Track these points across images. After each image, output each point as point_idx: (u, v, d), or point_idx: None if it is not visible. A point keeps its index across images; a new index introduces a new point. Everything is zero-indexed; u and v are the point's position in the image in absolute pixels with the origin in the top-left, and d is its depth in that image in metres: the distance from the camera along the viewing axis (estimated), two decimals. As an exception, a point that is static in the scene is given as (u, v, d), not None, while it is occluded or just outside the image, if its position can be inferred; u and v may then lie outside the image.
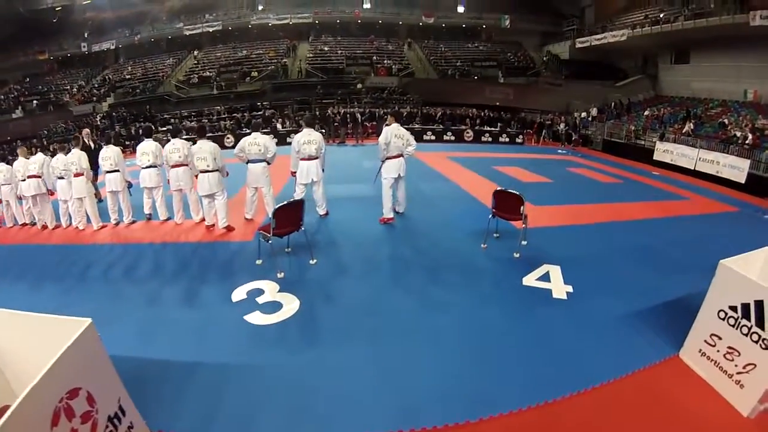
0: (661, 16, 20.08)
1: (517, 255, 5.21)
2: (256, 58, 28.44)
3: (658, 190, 10.41)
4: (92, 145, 8.03)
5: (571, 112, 21.18)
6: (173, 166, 6.56)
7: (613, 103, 20.99)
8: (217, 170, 6.23)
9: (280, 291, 4.36)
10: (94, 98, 26.93)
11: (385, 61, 27.54)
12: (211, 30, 29.96)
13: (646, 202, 8.76)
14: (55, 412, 1.82)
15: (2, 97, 28.18)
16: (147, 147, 6.80)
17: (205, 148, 6.15)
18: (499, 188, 5.40)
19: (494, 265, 5.11)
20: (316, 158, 6.42)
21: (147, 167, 6.80)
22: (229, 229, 6.42)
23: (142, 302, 4.37)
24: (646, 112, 19.03)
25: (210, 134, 18.30)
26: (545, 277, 4.64)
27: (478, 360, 3.25)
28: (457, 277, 4.78)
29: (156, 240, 6.39)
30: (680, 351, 3.27)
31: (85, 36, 30.43)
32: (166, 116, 23.88)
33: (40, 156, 7.69)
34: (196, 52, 30.39)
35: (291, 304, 4.08)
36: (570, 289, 4.40)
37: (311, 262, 5.07)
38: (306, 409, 2.71)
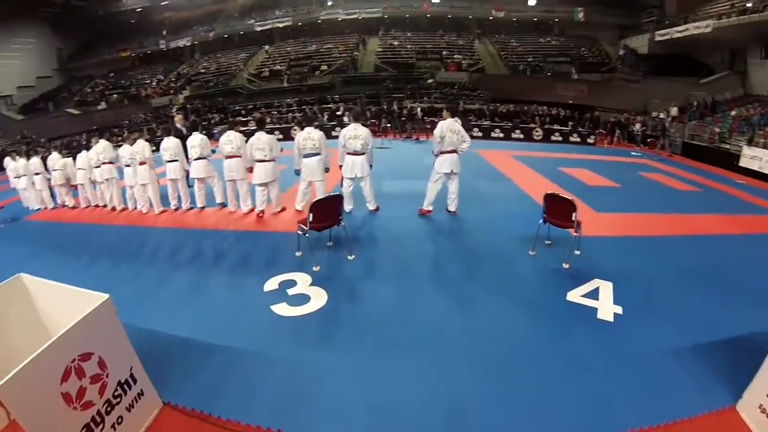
0: (749, 4, 17.88)
1: (567, 266, 4.87)
2: (325, 53, 29.36)
3: (742, 201, 9.24)
4: (184, 131, 8.28)
5: (649, 112, 19.67)
6: (227, 157, 6.98)
7: (696, 103, 19.20)
8: (273, 160, 6.64)
9: (311, 284, 4.47)
10: (171, 91, 29.41)
11: (455, 56, 27.28)
12: (281, 25, 31.54)
13: (726, 215, 7.78)
14: (66, 369, 2.10)
15: (89, 90, 31.84)
16: (195, 140, 7.30)
17: (263, 139, 6.55)
18: (549, 192, 5.11)
19: (539, 274, 4.81)
20: (363, 154, 6.45)
21: (197, 159, 7.31)
22: (282, 210, 6.95)
23: (181, 283, 4.82)
24: (733, 113, 16.96)
25: (278, 126, 19.38)
26: (593, 294, 4.26)
27: (494, 381, 3.03)
28: (496, 284, 4.55)
29: (207, 226, 6.87)
30: (738, 402, 2.76)
31: (163, 34, 33.58)
32: (237, 108, 25.42)
33: (102, 144, 8.57)
34: (267, 47, 32.10)
35: (318, 299, 4.17)
36: (619, 310, 3.97)
37: (349, 257, 5.15)
38: (299, 403, 2.80)
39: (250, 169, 6.88)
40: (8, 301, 2.73)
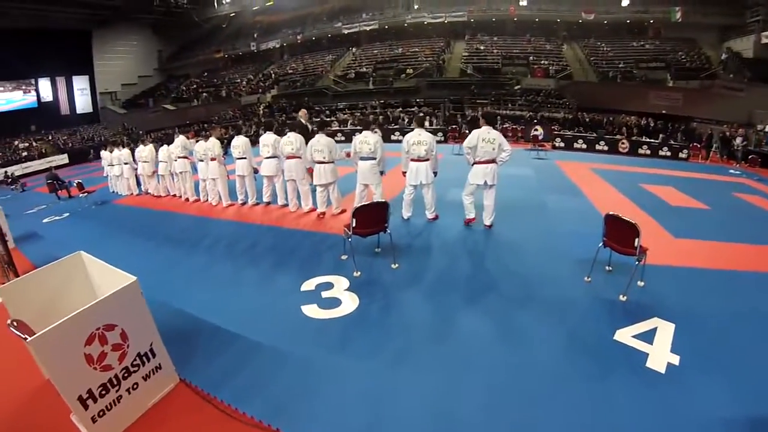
0: None
1: (624, 298, 4.36)
2: (411, 56, 29.99)
3: None
4: (309, 126, 8.42)
5: (753, 124, 17.60)
6: (287, 158, 7.37)
7: None
8: (332, 162, 6.87)
9: (347, 289, 4.57)
10: (260, 90, 31.74)
11: (543, 62, 26.42)
12: (368, 29, 32.69)
13: None
14: (91, 335, 2.51)
15: (184, 88, 35.30)
16: (267, 139, 7.75)
17: (322, 141, 6.82)
18: (610, 213, 4.69)
19: (590, 304, 4.34)
20: (426, 160, 6.42)
21: (268, 157, 7.77)
22: (342, 212, 7.15)
23: (228, 273, 5.29)
24: None
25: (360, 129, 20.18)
26: (648, 336, 3.69)
27: (507, 412, 2.84)
28: (538, 310, 4.21)
29: (266, 222, 7.35)
30: None
31: (254, 36, 36.56)
32: (323, 107, 26.76)
33: (180, 139, 9.52)
34: (354, 49, 33.50)
35: (349, 305, 4.26)
36: (675, 360, 3.36)
37: (393, 266, 5.14)
38: (300, 404, 2.92)
39: (310, 170, 7.22)
40: (70, 271, 3.35)
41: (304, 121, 8.39)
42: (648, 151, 17.00)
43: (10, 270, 5.46)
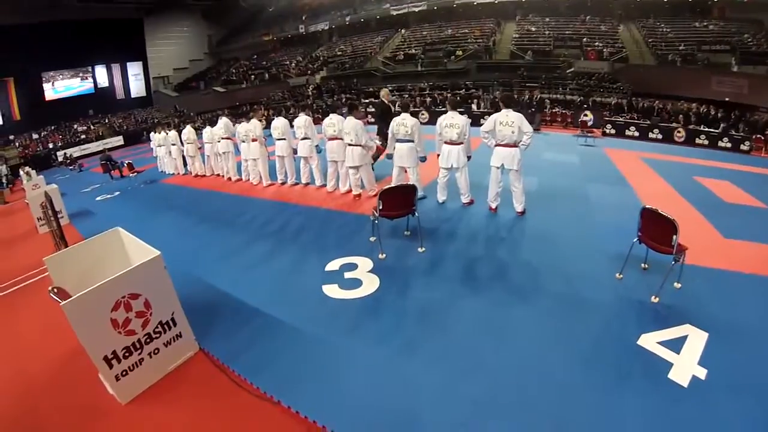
0: None
1: (656, 300, 4.06)
2: (461, 37, 29.36)
3: None
4: (392, 108, 8.36)
5: None
6: (330, 139, 7.50)
7: None
8: (360, 145, 6.95)
9: (370, 271, 4.66)
10: (309, 72, 32.28)
11: (596, 44, 25.15)
12: (416, 9, 32.26)
13: None
14: (117, 301, 2.79)
15: (234, 71, 36.48)
16: (300, 121, 7.97)
17: (350, 124, 6.93)
18: (647, 206, 4.28)
19: (618, 304, 4.09)
20: (460, 143, 6.37)
21: (302, 139, 8.01)
22: (375, 195, 7.16)
23: (260, 250, 5.58)
24: None
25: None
26: (676, 344, 3.41)
27: (507, 411, 2.78)
28: (561, 306, 4.02)
29: (303, 202, 7.60)
30: None
31: (303, 19, 37.06)
32: (371, 89, 26.75)
33: (222, 121, 9.95)
34: (402, 31, 33.24)
35: (369, 286, 4.34)
36: (702, 373, 3.08)
37: (419, 249, 5.18)
38: (304, 381, 3.06)
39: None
40: (107, 245, 3.70)
41: (386, 101, 8.25)
42: (706, 142, 15.98)
43: (62, 243, 6.02)
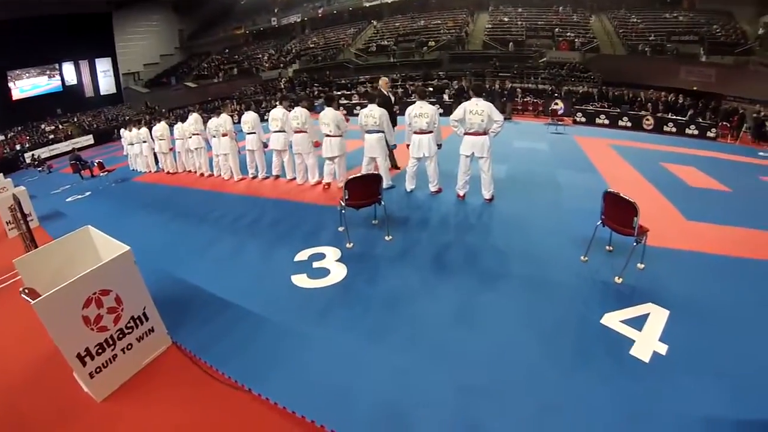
0: None
1: (620, 280, 4.21)
2: (434, 28, 29.49)
3: None
4: (392, 98, 8.10)
5: None
6: (295, 132, 7.60)
7: None
8: (339, 136, 7.03)
9: (338, 260, 4.74)
10: (281, 65, 31.97)
11: (568, 34, 25.59)
12: (389, 1, 32.23)
13: None
14: (88, 298, 2.81)
15: (206, 65, 35.99)
16: (276, 114, 7.96)
17: (329, 115, 6.96)
18: (609, 190, 4.45)
19: (582, 285, 4.21)
20: (429, 132, 6.47)
21: (276, 132, 7.99)
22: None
23: (230, 244, 5.62)
24: None
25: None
26: (638, 322, 3.55)
27: (465, 396, 2.83)
28: (526, 290, 4.12)
29: (273, 195, 7.65)
30: None
31: (275, 12, 36.61)
32: (343, 81, 26.92)
33: (193, 116, 9.84)
34: (375, 22, 33.11)
35: (337, 275, 4.42)
36: (662, 349, 3.22)
37: (386, 238, 5.26)
38: (271, 368, 3.13)
39: (317, 143, 7.47)
40: (78, 244, 3.68)
41: (385, 92, 7.92)
42: (674, 129, 16.49)
43: (32, 246, 5.93)
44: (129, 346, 3.05)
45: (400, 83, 24.21)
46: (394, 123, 7.32)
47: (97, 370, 2.87)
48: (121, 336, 2.99)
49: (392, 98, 7.68)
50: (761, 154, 13.77)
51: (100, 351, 2.87)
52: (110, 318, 2.91)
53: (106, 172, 11.34)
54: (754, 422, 2.59)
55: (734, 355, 3.21)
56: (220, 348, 3.36)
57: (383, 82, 7.97)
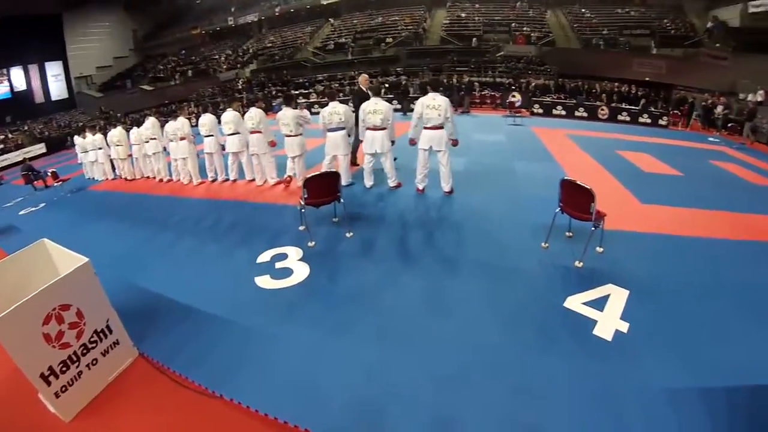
0: None
1: (580, 264, 4.35)
2: (391, 25, 29.58)
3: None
4: (369, 93, 7.87)
5: (736, 93, 17.71)
6: (251, 132, 7.56)
7: None
8: (299, 135, 7.05)
9: (300, 259, 4.74)
10: (238, 65, 31.38)
11: (525, 29, 26.21)
12: (347, -2, 31.94)
13: None
14: (47, 315, 2.69)
15: (162, 67, 34.92)
16: (228, 116, 7.87)
17: (288, 115, 6.96)
18: (566, 177, 4.56)
19: (544, 271, 4.34)
20: (383, 129, 6.51)
21: (231, 134, 7.90)
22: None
23: (192, 249, 5.51)
24: None
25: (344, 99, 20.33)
26: (599, 303, 3.69)
27: (432, 384, 2.88)
28: (489, 278, 4.20)
29: (233, 198, 7.57)
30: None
31: (232, 11, 36.00)
32: (301, 80, 26.70)
33: (150, 121, 9.65)
34: (332, 20, 32.89)
35: (300, 274, 4.42)
36: (624, 327, 3.37)
37: (347, 235, 5.30)
38: (240, 371, 3.10)
39: (273, 143, 7.49)
40: (34, 259, 3.49)
41: (364, 88, 7.67)
42: (628, 118, 17.16)
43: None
44: (94, 362, 2.95)
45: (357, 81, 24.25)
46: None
47: (63, 389, 2.77)
48: (85, 351, 2.89)
49: (370, 95, 7.53)
50: (710, 139, 14.52)
51: (64, 369, 2.76)
52: (72, 333, 2.81)
53: (60, 182, 10.87)
54: (712, 389, 2.74)
55: (690, 327, 3.40)
56: (187, 355, 3.30)
57: (363, 79, 7.83)
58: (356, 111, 7.07)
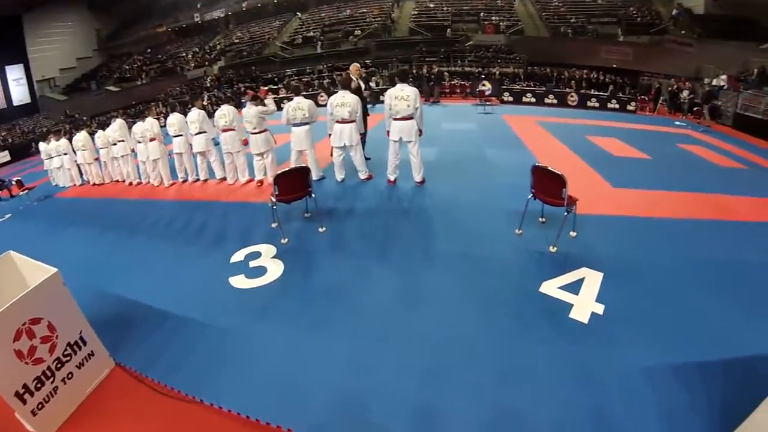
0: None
1: (554, 249, 4.42)
2: (359, 17, 29.50)
3: (795, 183, 8.15)
4: (362, 85, 7.63)
5: (701, 78, 18.30)
6: (223, 131, 7.49)
7: (755, 71, 17.45)
8: (263, 131, 7.00)
9: (274, 257, 4.71)
10: (206, 63, 30.76)
11: (493, 18, 26.42)
12: (315, -9, 31.55)
13: None
14: (18, 330, 2.58)
15: (127, 67, 33.81)
16: (193, 116, 7.77)
17: (250, 112, 6.93)
18: (537, 164, 4.58)
19: (518, 257, 4.38)
20: (351, 121, 6.48)
21: (197, 134, 7.81)
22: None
23: (165, 253, 5.38)
24: None
25: (310, 93, 20.01)
26: (574, 286, 3.76)
27: (414, 378, 2.87)
28: (463, 267, 4.22)
29: (205, 198, 7.46)
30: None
31: (198, 7, 35.08)
32: (270, 76, 26.59)
33: (117, 122, 9.37)
34: (300, 14, 32.52)
35: (274, 272, 4.40)
36: (600, 309, 3.44)
37: (320, 230, 5.29)
38: (219, 374, 3.07)
39: (245, 141, 7.44)
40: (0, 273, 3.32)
41: (355, 78, 7.29)
42: (597, 104, 17.52)
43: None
44: (69, 375, 2.86)
45: (326, 74, 24.30)
46: (365, 110, 7.30)
47: (39, 406, 2.67)
48: (59, 366, 2.79)
49: (362, 85, 7.50)
50: (677, 123, 14.96)
51: (39, 385, 2.67)
52: (45, 348, 2.71)
53: (26, 191, 10.48)
54: (686, 364, 2.86)
55: (662, 306, 3.53)
56: (164, 361, 3.24)
57: (354, 68, 7.48)
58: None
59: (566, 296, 3.64)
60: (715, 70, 17.99)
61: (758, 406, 2.13)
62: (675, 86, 17.43)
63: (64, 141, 10.71)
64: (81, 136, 10.17)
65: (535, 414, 2.56)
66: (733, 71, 17.62)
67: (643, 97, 18.06)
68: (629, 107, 17.23)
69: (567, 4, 26.97)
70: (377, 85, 20.32)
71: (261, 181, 7.38)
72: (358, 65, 7.68)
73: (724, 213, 5.77)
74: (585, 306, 3.50)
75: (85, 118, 28.11)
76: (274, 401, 2.78)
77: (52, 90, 33.44)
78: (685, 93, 16.39)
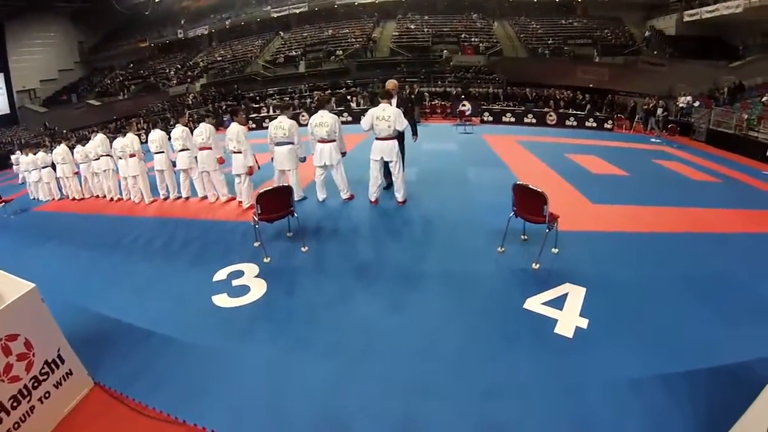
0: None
1: (536, 266, 4.46)
2: (341, 37, 29.83)
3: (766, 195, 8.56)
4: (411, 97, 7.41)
5: (674, 97, 19.03)
6: (200, 149, 7.42)
7: (726, 88, 18.11)
8: (240, 152, 6.84)
9: (256, 276, 4.65)
10: (188, 80, 30.51)
11: (473, 39, 27.05)
12: (297, 11, 31.85)
13: (744, 210, 6.96)
14: None
15: (109, 81, 33.43)
16: (177, 132, 7.69)
17: (233, 131, 6.82)
18: (518, 182, 4.67)
19: (501, 275, 4.42)
20: (332, 141, 6.46)
21: (180, 150, 7.73)
22: (251, 207, 7.09)
23: (146, 271, 5.23)
24: (764, 99, 15.57)
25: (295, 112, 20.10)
26: (558, 302, 3.80)
27: (395, 401, 2.82)
28: (446, 286, 4.23)
29: (186, 216, 7.33)
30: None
31: (182, 23, 34.92)
32: (252, 94, 26.67)
33: (98, 137, 9.23)
34: (282, 33, 32.74)
35: (257, 291, 4.34)
36: (584, 323, 3.48)
37: (303, 249, 5.24)
38: (201, 394, 2.99)
39: (221, 160, 7.37)
40: None
41: (394, 93, 6.74)
42: (575, 123, 18.05)
43: None
44: (47, 395, 2.74)
45: (308, 93, 24.46)
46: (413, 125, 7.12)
47: (16, 425, 2.56)
48: (36, 384, 2.68)
49: (412, 97, 7.36)
50: (653, 140, 15.49)
51: (15, 404, 2.56)
52: (21, 366, 2.60)
53: (2, 203, 10.18)
54: (671, 375, 2.91)
55: (645, 318, 3.61)
56: (145, 381, 3.14)
57: (392, 85, 6.95)
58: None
59: (550, 312, 3.68)
60: (686, 88, 18.72)
61: (747, 410, 2.16)
62: (651, 104, 18.05)
63: (42, 153, 10.49)
64: (59, 150, 9.98)
65: (521, 428, 2.55)
66: (704, 89, 18.42)
67: (619, 115, 18.65)
68: (606, 125, 17.78)
69: (544, 27, 27.91)
70: (358, 105, 20.60)
71: (241, 202, 7.26)
72: (395, 81, 7.28)
73: (700, 225, 6.01)
74: (569, 321, 3.54)
75: (64, 131, 27.58)
76: (258, 421, 2.72)
77: (33, 101, 32.79)
78: (660, 111, 17.00)
